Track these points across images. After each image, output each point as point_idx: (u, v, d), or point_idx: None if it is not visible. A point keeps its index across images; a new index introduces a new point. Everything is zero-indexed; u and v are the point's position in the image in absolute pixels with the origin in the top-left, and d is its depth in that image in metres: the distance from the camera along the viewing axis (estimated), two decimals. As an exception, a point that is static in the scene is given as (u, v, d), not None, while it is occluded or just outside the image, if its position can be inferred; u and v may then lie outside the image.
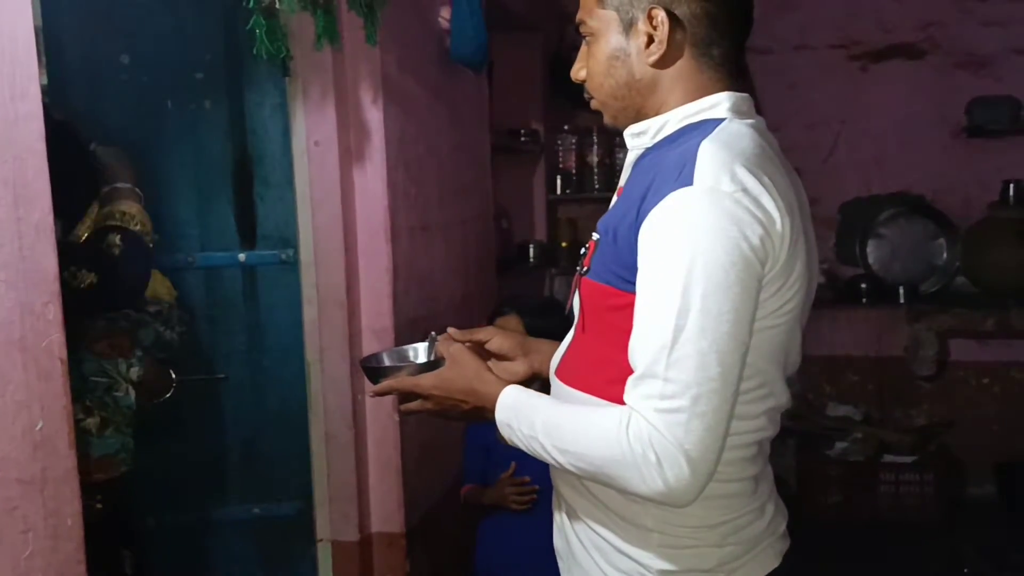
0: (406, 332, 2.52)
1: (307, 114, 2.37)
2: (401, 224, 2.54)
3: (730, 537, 1.31)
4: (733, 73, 1.33)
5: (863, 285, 4.26)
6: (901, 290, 4.21)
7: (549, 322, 1.67)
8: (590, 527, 1.36)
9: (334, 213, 2.40)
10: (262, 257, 2.43)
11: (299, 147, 2.38)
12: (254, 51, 2.05)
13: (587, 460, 1.22)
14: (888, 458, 4.10)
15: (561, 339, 1.48)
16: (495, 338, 1.57)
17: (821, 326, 4.19)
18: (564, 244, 4.32)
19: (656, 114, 1.33)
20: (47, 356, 1.32)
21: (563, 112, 4.27)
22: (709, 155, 1.19)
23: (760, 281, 1.19)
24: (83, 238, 1.89)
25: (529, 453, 1.31)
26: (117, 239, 1.83)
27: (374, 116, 2.44)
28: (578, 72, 1.39)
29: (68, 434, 1.35)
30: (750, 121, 1.31)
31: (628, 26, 1.30)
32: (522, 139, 4.04)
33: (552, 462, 1.29)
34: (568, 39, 4.33)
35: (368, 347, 2.46)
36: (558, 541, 1.46)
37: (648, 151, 1.34)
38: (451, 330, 1.52)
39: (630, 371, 1.21)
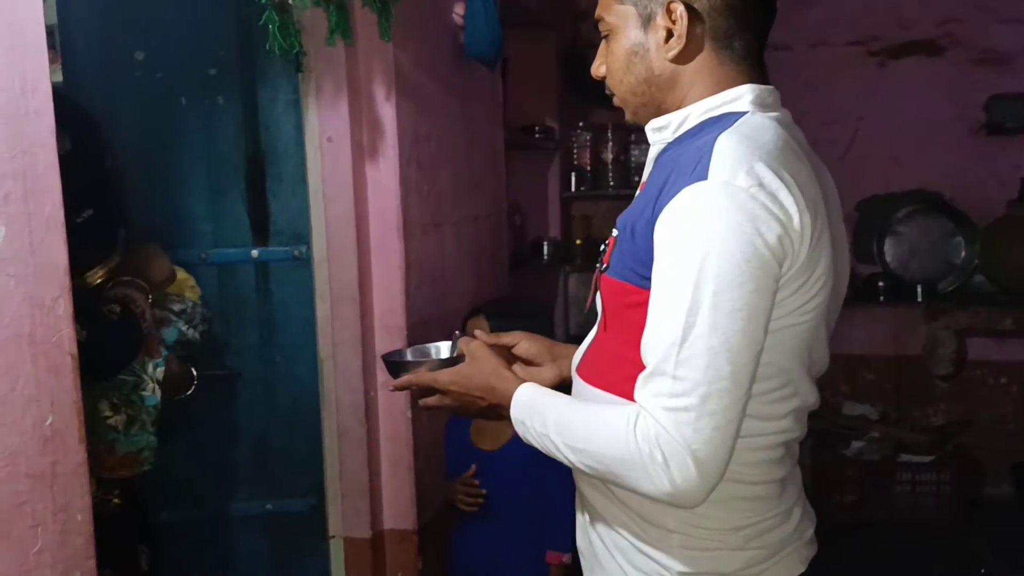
0: (419, 328, 2.51)
1: (320, 110, 2.36)
2: (414, 220, 2.54)
3: (753, 541, 1.29)
4: (756, 65, 1.30)
5: (880, 283, 4.24)
6: (919, 288, 4.18)
7: (517, 325, 1.65)
8: (611, 527, 1.35)
9: (347, 209, 2.39)
10: (275, 253, 2.42)
11: (312, 143, 2.38)
12: (267, 47, 2.05)
13: (597, 459, 1.21)
14: (905, 457, 4.07)
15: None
16: (522, 342, 1.56)
17: (838, 324, 4.12)
18: (578, 241, 4.30)
19: (677, 109, 1.31)
20: (57, 351, 1.32)
21: (578, 108, 4.26)
22: (726, 149, 1.17)
23: (777, 280, 1.16)
24: (93, 285, 1.84)
25: (543, 452, 1.31)
26: (117, 309, 1.81)
27: (387, 112, 2.44)
28: (598, 68, 1.37)
29: (78, 429, 1.35)
30: (774, 114, 1.28)
31: (647, 21, 1.28)
32: (537, 136, 4.02)
33: (565, 461, 1.27)
34: (583, 35, 4.33)
35: (381, 343, 2.46)
36: (581, 541, 1.46)
37: (670, 145, 1.32)
38: (478, 332, 1.52)
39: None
